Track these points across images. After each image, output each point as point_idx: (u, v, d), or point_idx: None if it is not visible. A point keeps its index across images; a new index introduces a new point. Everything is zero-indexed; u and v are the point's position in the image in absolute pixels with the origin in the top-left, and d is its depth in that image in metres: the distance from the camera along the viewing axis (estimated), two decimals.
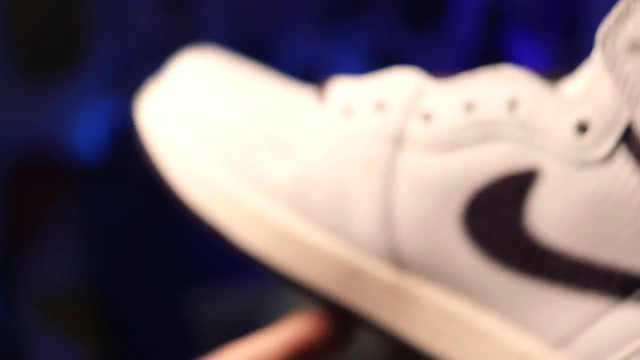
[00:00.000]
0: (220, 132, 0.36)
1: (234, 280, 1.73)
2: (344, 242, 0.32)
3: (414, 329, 0.31)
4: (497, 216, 0.28)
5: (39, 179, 2.04)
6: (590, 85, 0.28)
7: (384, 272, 0.32)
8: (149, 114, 0.42)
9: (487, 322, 0.30)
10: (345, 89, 0.35)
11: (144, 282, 2.09)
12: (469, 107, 0.30)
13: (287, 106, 0.37)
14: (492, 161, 0.29)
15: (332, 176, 0.32)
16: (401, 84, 0.33)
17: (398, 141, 0.31)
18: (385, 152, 0.31)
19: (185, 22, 2.41)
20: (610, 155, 0.27)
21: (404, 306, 0.31)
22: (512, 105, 0.29)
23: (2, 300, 1.87)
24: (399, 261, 0.31)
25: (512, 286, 0.28)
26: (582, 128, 0.28)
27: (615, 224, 0.27)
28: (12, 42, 2.11)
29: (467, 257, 0.30)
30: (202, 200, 0.39)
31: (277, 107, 0.36)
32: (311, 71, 2.71)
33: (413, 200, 0.30)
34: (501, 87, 0.30)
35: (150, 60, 2.25)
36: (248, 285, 1.50)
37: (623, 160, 0.27)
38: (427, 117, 0.31)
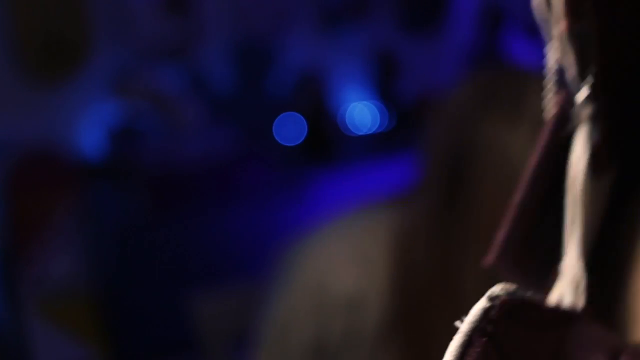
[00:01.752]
0: None
1: (229, 279, 1.73)
2: None
3: None
4: None
5: (41, 179, 2.04)
6: None
7: None
8: None
9: None
10: None
11: (143, 280, 2.09)
12: None
13: None
14: None
15: None
16: None
17: None
18: None
19: (186, 24, 2.42)
20: None
21: None
22: None
23: (6, 300, 1.87)
24: None
25: None
26: None
27: None
28: (17, 45, 2.12)
29: None
30: None
31: None
32: (311, 71, 2.73)
33: None
34: None
35: (151, 62, 2.27)
36: (242, 284, 1.50)
37: None
38: None
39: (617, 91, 0.26)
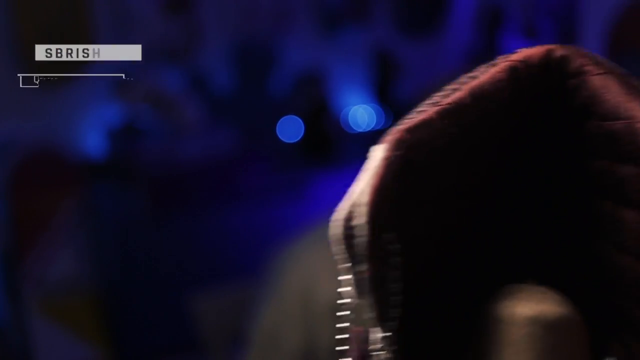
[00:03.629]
0: None
1: (230, 278, 1.74)
2: None
3: None
4: None
5: (43, 178, 2.05)
6: None
7: None
8: None
9: None
10: None
11: (144, 279, 2.10)
12: None
13: None
14: None
15: None
16: None
17: None
18: None
19: (187, 25, 2.43)
20: None
21: None
22: None
23: (8, 299, 1.88)
24: None
25: None
26: None
27: None
28: (19, 46, 2.12)
29: None
30: None
31: None
32: (311, 72, 2.75)
33: None
34: None
35: (152, 62, 2.28)
36: (242, 283, 1.51)
37: None
38: None
39: (415, 340, 0.24)
